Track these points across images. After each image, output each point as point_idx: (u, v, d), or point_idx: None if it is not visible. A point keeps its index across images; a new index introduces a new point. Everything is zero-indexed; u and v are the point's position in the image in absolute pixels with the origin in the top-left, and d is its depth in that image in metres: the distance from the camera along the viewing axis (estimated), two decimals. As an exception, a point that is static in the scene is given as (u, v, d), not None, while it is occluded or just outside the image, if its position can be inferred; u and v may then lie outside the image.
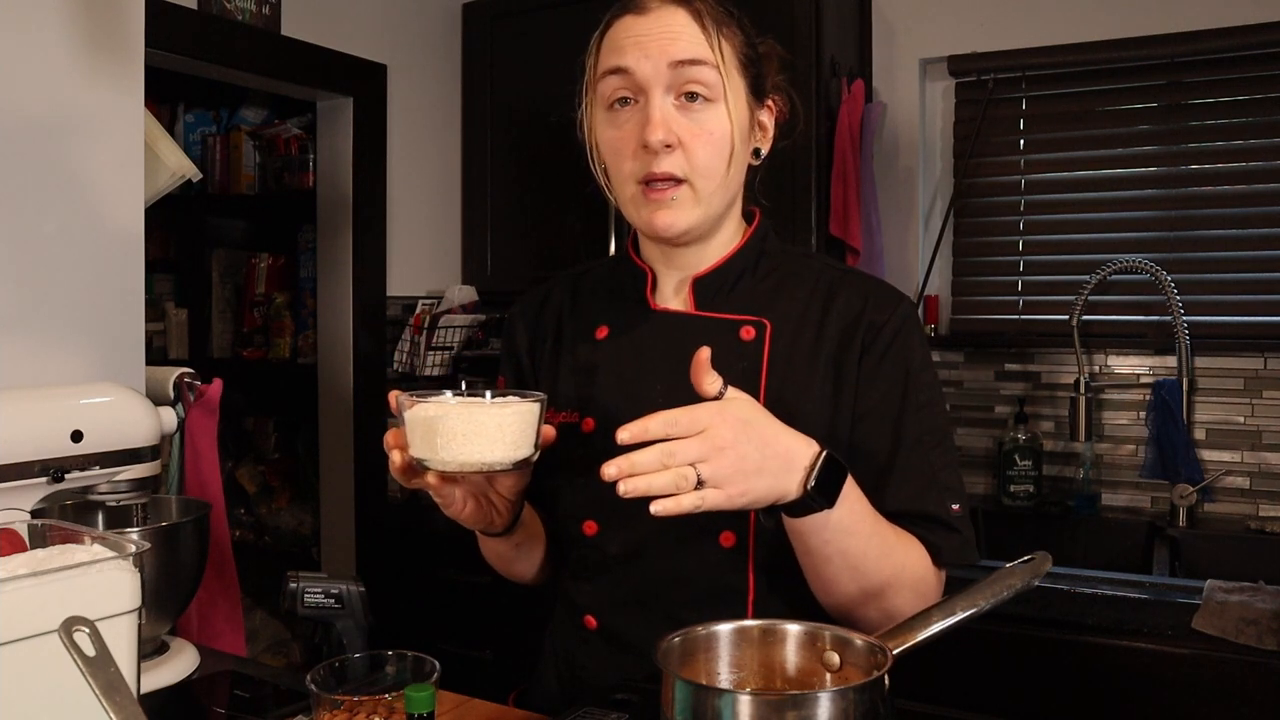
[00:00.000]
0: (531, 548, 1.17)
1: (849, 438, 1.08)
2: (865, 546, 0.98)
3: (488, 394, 0.92)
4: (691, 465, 0.86)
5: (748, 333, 1.09)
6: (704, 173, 1.04)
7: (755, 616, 1.05)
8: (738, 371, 1.08)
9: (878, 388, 1.08)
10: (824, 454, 0.91)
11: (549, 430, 0.96)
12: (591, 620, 1.13)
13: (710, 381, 0.91)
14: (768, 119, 1.13)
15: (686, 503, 0.86)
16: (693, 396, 1.07)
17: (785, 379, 1.08)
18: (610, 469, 0.86)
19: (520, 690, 1.23)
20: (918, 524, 1.05)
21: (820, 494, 0.91)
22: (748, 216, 1.17)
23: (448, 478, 0.94)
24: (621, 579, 1.10)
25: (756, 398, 1.05)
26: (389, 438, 0.94)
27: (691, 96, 1.03)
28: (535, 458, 0.93)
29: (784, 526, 0.97)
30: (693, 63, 1.02)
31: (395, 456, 0.93)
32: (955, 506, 1.06)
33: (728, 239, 1.14)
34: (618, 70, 1.03)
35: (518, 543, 1.13)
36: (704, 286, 1.13)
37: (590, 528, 1.11)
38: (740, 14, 1.10)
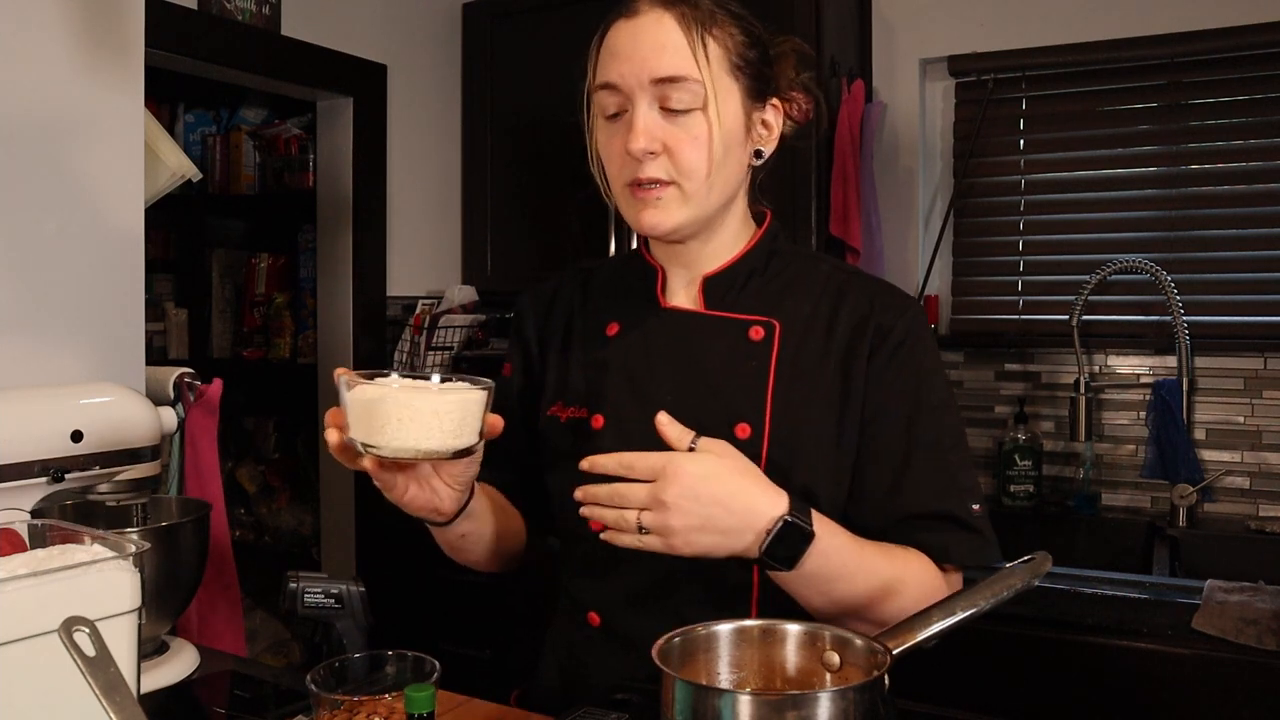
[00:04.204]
0: (480, 538, 1.15)
1: (860, 439, 1.08)
2: (850, 587, 1.00)
3: (435, 378, 0.90)
4: (636, 510, 0.92)
5: (756, 333, 1.10)
6: (688, 174, 1.05)
7: (760, 613, 1.06)
8: (746, 371, 1.09)
9: (889, 390, 1.08)
10: (783, 519, 0.93)
11: (495, 420, 0.94)
12: (595, 617, 1.13)
13: (678, 436, 0.96)
14: (773, 118, 1.12)
15: (625, 539, 0.94)
16: (701, 396, 1.09)
17: (793, 379, 1.08)
18: (578, 493, 0.95)
19: (522, 690, 1.23)
20: (937, 525, 1.05)
21: (775, 557, 0.94)
22: (758, 217, 1.18)
23: (385, 464, 0.92)
24: (626, 575, 1.10)
25: (764, 397, 1.07)
26: (328, 416, 0.91)
27: (673, 105, 1.05)
28: (478, 447, 0.91)
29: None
30: (673, 79, 1.03)
31: (332, 435, 0.91)
32: (976, 507, 1.07)
33: (733, 238, 1.14)
34: (607, 85, 1.06)
35: (463, 533, 1.10)
36: (714, 285, 1.13)
37: (596, 524, 1.11)
38: (744, 13, 1.10)
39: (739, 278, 1.13)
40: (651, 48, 1.03)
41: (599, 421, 1.12)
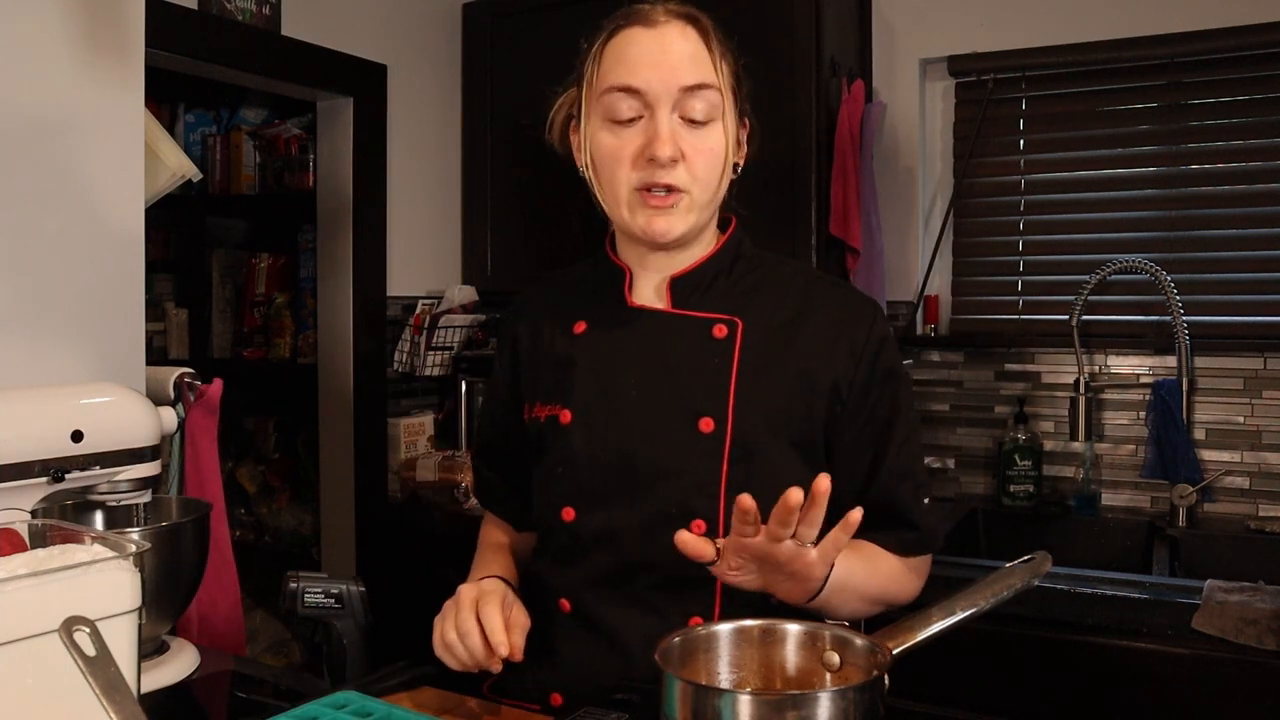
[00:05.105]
0: None
1: (839, 436, 1.14)
2: (856, 604, 1.09)
3: None
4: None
5: (720, 330, 1.14)
6: (702, 185, 1.11)
7: (723, 604, 1.10)
8: (710, 367, 1.13)
9: (868, 397, 1.14)
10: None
11: None
12: (566, 603, 1.17)
13: (702, 549, 0.95)
14: (744, 136, 1.19)
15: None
16: (665, 391, 1.13)
17: (755, 377, 1.13)
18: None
19: (493, 681, 1.24)
20: (891, 520, 1.14)
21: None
22: (723, 224, 1.23)
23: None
24: (595, 563, 1.14)
25: (726, 392, 1.12)
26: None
27: (695, 114, 1.10)
28: None
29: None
30: (700, 87, 1.09)
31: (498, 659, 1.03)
32: (926, 500, 1.16)
33: (705, 243, 1.20)
34: (627, 89, 1.09)
35: None
36: (681, 286, 1.18)
37: (568, 514, 1.16)
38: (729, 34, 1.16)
39: (705, 279, 1.18)
40: (680, 56, 1.09)
41: (567, 417, 1.16)
